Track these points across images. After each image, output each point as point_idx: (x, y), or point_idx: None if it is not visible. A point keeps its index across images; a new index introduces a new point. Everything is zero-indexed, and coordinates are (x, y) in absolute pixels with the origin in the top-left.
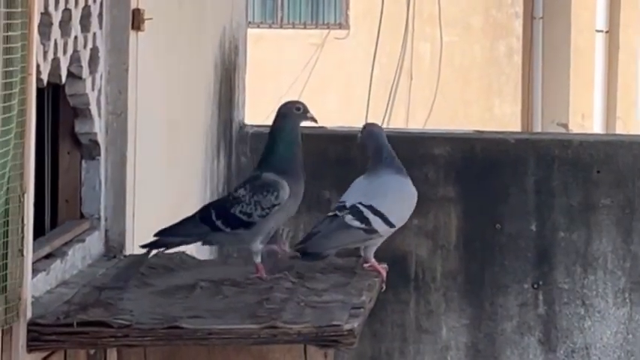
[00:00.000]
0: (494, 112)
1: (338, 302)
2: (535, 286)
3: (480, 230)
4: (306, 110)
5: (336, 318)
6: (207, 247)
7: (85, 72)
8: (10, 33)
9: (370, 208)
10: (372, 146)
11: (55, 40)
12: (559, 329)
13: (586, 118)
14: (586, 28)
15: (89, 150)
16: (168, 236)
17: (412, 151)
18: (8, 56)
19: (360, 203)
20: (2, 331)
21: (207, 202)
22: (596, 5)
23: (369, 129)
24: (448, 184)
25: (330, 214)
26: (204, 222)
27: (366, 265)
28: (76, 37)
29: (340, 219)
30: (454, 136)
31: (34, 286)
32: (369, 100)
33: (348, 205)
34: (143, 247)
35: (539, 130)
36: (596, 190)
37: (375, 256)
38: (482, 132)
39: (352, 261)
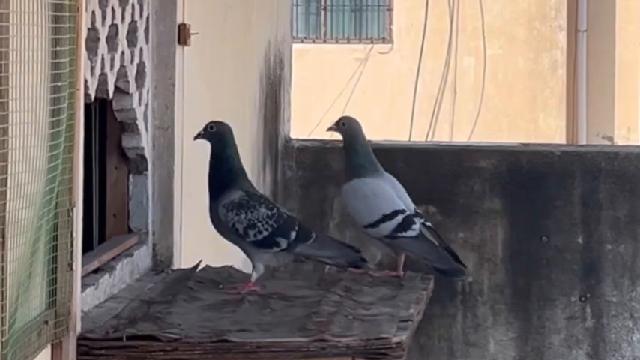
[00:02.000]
0: (539, 125)
1: (386, 315)
2: (582, 299)
3: (527, 243)
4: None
5: (385, 331)
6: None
7: (132, 87)
8: (58, 48)
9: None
10: (350, 139)
11: (103, 56)
12: (607, 342)
13: (631, 131)
14: (631, 41)
15: (136, 164)
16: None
17: (457, 165)
18: (56, 71)
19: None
20: (52, 345)
21: None
22: None
23: (350, 124)
24: (494, 196)
25: (422, 224)
26: None
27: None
28: (122, 53)
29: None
30: (500, 149)
31: (84, 300)
32: (413, 114)
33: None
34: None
35: (584, 143)
36: None
37: (420, 269)
38: (527, 144)
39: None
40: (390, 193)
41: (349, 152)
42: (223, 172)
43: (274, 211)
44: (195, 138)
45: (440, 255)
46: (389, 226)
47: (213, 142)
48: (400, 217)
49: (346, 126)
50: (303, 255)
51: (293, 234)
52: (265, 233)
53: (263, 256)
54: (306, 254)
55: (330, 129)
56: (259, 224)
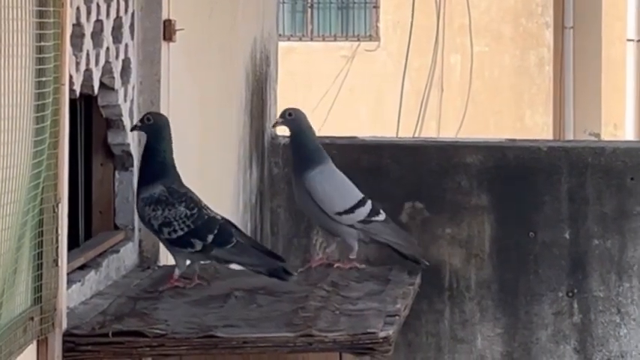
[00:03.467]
0: (526, 122)
1: (373, 310)
2: (570, 294)
3: (514, 239)
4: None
5: (372, 326)
6: None
7: (117, 83)
8: (42, 43)
9: None
10: (300, 129)
11: (88, 51)
12: (594, 337)
13: (618, 128)
14: (617, 38)
15: (122, 161)
16: None
17: (445, 160)
18: (41, 66)
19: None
20: (38, 341)
21: (239, 213)
22: (627, 14)
23: (297, 113)
24: (481, 192)
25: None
26: None
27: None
28: (107, 48)
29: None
30: (486, 145)
31: (70, 296)
32: (400, 111)
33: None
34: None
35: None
36: (629, 198)
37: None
38: (514, 140)
39: (385, 269)
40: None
41: (301, 141)
42: (152, 164)
43: (194, 210)
44: (132, 129)
45: (406, 237)
46: (363, 211)
47: (148, 134)
48: (369, 202)
49: (293, 116)
50: (220, 259)
51: (210, 237)
52: (180, 232)
53: (180, 254)
54: (224, 259)
55: (275, 124)
56: (175, 223)
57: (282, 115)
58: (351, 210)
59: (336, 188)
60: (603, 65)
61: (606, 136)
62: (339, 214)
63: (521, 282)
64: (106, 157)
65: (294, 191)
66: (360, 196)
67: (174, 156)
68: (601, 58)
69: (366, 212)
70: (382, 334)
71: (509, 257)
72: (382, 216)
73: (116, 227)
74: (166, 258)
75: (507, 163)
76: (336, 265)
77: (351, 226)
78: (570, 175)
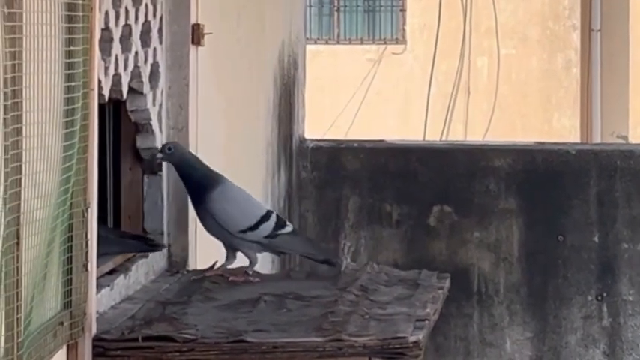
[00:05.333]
0: (553, 125)
1: (402, 314)
2: (599, 297)
3: (543, 242)
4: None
5: (401, 330)
6: (269, 262)
7: (146, 87)
8: (71, 48)
9: None
10: (183, 159)
11: (116, 56)
12: (624, 341)
13: None
14: None
15: (151, 165)
16: None
17: (472, 164)
18: (70, 71)
19: None
20: (68, 346)
21: None
22: None
23: (175, 146)
24: (509, 196)
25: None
26: None
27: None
28: (136, 53)
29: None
30: (515, 148)
31: (99, 301)
32: (427, 114)
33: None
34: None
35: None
36: None
37: (435, 268)
38: (543, 143)
39: (415, 273)
40: (252, 197)
41: (189, 171)
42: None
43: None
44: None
45: (315, 246)
46: (268, 226)
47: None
48: (274, 216)
49: (172, 150)
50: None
51: (271, 223)
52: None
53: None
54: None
55: (157, 160)
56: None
57: (162, 151)
58: (255, 227)
59: (237, 207)
60: (631, 67)
61: (634, 138)
62: (243, 231)
63: (550, 286)
64: (134, 162)
65: (198, 217)
66: (264, 211)
67: (204, 159)
68: (628, 61)
69: (271, 227)
70: (412, 339)
71: (538, 261)
72: (289, 228)
73: (145, 231)
74: (195, 262)
75: (536, 166)
76: (230, 278)
77: (257, 242)
78: (599, 179)
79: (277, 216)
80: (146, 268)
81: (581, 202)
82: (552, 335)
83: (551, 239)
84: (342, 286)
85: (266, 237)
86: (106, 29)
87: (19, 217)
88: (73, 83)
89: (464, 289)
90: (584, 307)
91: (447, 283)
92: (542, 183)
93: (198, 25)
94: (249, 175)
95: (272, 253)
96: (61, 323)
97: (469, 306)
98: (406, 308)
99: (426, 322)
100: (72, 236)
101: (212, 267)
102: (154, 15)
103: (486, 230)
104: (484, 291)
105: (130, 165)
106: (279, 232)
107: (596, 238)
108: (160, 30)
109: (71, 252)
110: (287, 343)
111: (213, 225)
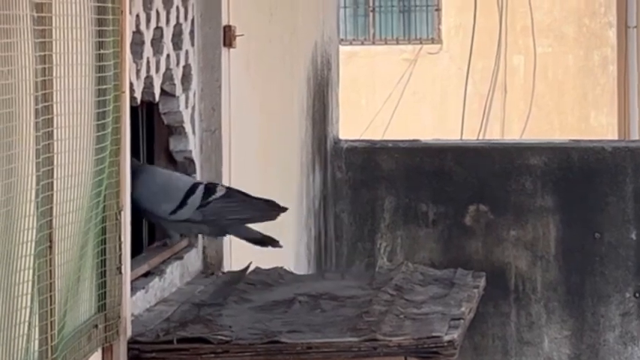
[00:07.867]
0: (590, 123)
1: (437, 314)
2: (637, 295)
3: (580, 240)
4: None
5: (436, 329)
6: (305, 263)
7: (179, 89)
8: (102, 51)
9: None
10: None
11: (148, 58)
12: None
13: None
14: None
15: (184, 167)
16: None
17: (508, 162)
18: (101, 74)
19: None
20: (103, 349)
21: (303, 218)
22: None
23: None
24: (546, 194)
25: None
26: None
27: None
28: (168, 55)
29: None
30: (551, 146)
31: (134, 304)
32: (463, 114)
33: None
34: None
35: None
36: None
37: (471, 267)
38: (578, 141)
39: (450, 272)
40: (174, 173)
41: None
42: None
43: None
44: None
45: (253, 202)
46: (197, 198)
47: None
48: (201, 187)
49: None
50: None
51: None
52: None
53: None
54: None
55: None
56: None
57: None
58: (184, 203)
59: (161, 188)
60: None
61: None
62: (174, 212)
63: (587, 283)
64: (168, 164)
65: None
66: (189, 184)
67: (237, 161)
68: None
69: (200, 196)
70: (447, 338)
71: (575, 259)
72: (221, 192)
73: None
74: (230, 264)
75: (572, 164)
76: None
77: (188, 220)
78: (635, 175)
79: (206, 186)
80: (181, 270)
81: (617, 199)
82: (590, 333)
83: (587, 237)
84: (377, 286)
85: (198, 209)
86: (138, 32)
87: (51, 221)
88: (104, 86)
89: (501, 288)
90: (622, 305)
91: (483, 282)
92: (579, 180)
93: (229, 26)
94: (283, 175)
95: (211, 236)
96: (96, 326)
97: (506, 305)
98: (441, 307)
99: (461, 321)
100: (105, 239)
101: (247, 268)
102: (186, 17)
103: (523, 229)
104: (521, 289)
105: (164, 167)
106: (210, 199)
107: (633, 235)
108: (192, 32)
109: (105, 255)
110: (321, 344)
111: (146, 213)
